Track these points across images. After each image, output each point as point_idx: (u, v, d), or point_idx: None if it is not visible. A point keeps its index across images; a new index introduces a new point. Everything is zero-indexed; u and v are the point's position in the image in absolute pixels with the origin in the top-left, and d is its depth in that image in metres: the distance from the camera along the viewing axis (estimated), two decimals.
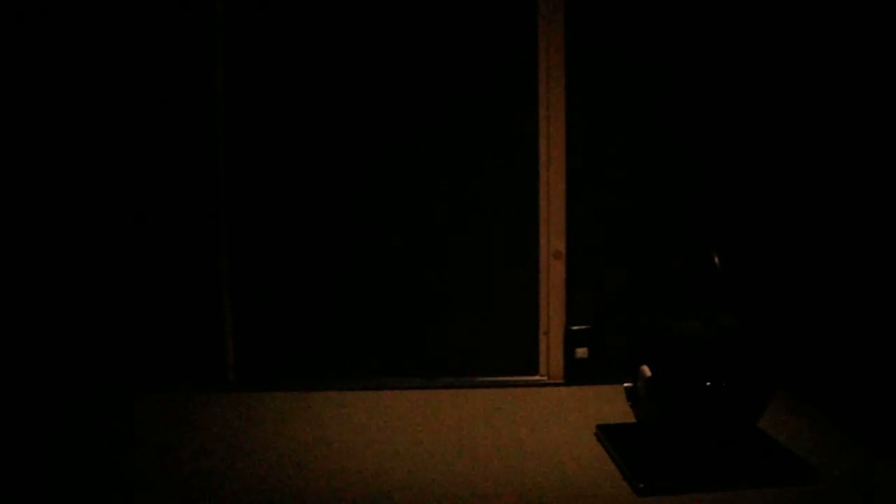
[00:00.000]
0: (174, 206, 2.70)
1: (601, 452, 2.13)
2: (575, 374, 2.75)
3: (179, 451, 2.17)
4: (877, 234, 2.26)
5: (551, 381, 2.76)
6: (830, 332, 2.44)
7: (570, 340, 2.74)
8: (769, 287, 2.70)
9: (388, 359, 2.78)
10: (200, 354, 2.74)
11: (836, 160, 2.44)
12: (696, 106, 2.72)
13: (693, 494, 1.87)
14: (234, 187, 2.71)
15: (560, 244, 2.73)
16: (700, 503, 1.84)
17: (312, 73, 2.69)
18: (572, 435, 2.27)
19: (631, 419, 2.14)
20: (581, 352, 2.74)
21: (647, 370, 1.99)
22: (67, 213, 2.68)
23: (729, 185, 2.74)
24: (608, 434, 2.19)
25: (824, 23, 2.47)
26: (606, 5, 2.67)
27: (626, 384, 2.12)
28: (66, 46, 2.63)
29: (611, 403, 2.50)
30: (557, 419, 2.41)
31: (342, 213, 2.74)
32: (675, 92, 2.71)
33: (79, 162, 2.67)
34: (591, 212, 2.73)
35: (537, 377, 2.78)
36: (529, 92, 2.70)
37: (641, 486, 1.89)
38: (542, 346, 2.77)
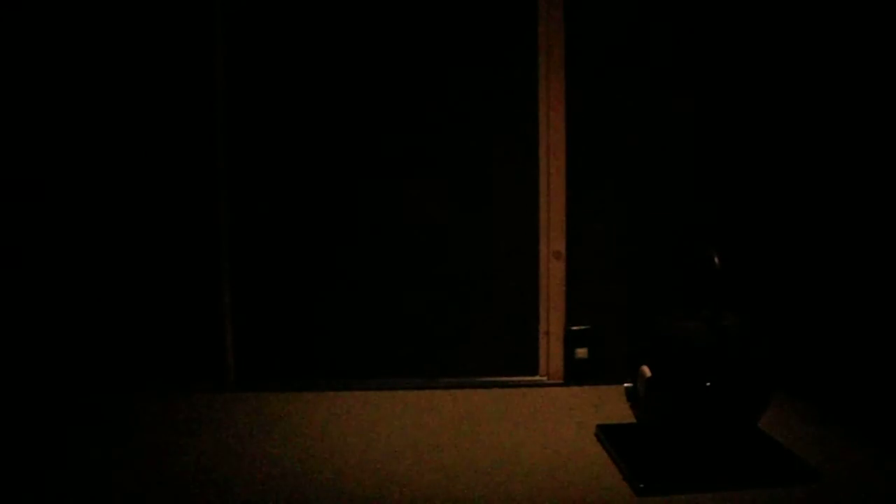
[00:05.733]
0: (174, 206, 2.70)
1: (601, 452, 2.13)
2: (575, 374, 2.75)
3: (179, 451, 2.17)
4: (876, 233, 2.26)
5: (551, 381, 2.76)
6: (830, 332, 2.44)
7: (570, 340, 2.74)
8: (769, 287, 2.70)
9: (388, 359, 2.78)
10: (200, 355, 2.74)
11: (835, 160, 2.44)
12: (695, 105, 2.72)
13: (693, 494, 1.87)
14: (234, 187, 2.71)
15: (560, 244, 2.73)
16: (700, 503, 1.84)
17: (312, 80, 2.70)
18: (572, 435, 2.27)
19: (631, 419, 2.14)
20: (581, 352, 2.74)
21: (647, 370, 1.99)
22: (66, 213, 2.68)
23: (729, 185, 2.74)
24: (608, 434, 2.19)
25: (820, 22, 2.47)
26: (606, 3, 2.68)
27: (626, 384, 2.12)
28: (64, 42, 2.63)
29: (611, 403, 2.50)
30: (557, 419, 2.41)
31: (342, 213, 2.74)
32: (674, 91, 2.71)
33: (77, 162, 2.67)
34: (591, 212, 2.73)
35: (537, 377, 2.78)
36: (529, 91, 2.70)
37: (641, 486, 1.89)
38: (542, 346, 2.77)
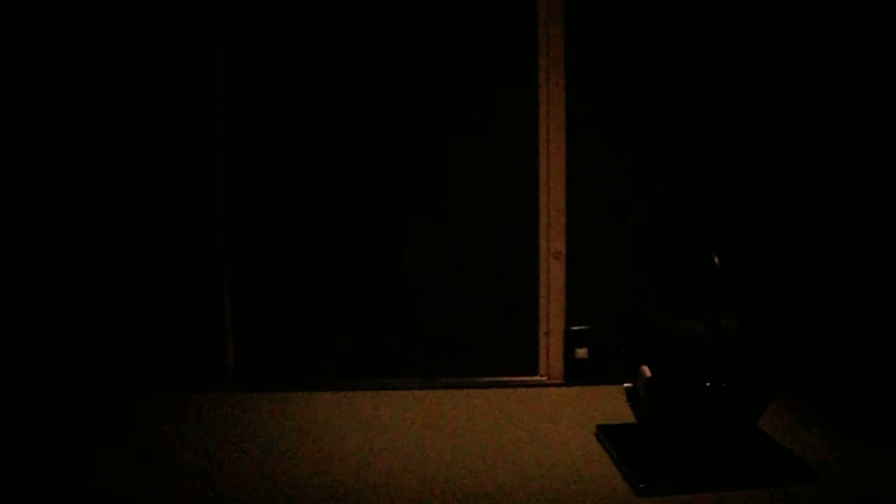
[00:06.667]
0: (174, 206, 2.70)
1: (601, 452, 2.13)
2: (575, 374, 2.75)
3: (179, 451, 2.17)
4: (876, 233, 2.26)
5: (551, 382, 2.76)
6: (830, 332, 2.44)
7: (570, 340, 2.74)
8: (769, 287, 2.70)
9: (388, 359, 2.78)
10: (200, 354, 2.74)
11: (835, 160, 2.44)
12: (697, 105, 2.72)
13: (693, 494, 1.87)
14: (234, 187, 2.71)
15: (560, 244, 2.73)
16: (700, 503, 1.84)
17: (314, 83, 2.70)
18: (572, 435, 2.27)
19: (631, 419, 2.14)
20: (581, 352, 2.74)
21: (647, 370, 1.99)
22: (65, 213, 2.68)
23: (729, 185, 2.74)
24: (608, 434, 2.19)
25: (822, 24, 2.48)
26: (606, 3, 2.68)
27: (626, 384, 2.12)
28: (63, 40, 2.63)
29: (611, 403, 2.50)
30: (557, 419, 2.41)
31: (342, 213, 2.74)
32: (676, 91, 2.71)
33: (77, 161, 2.67)
34: (590, 212, 2.73)
35: (537, 377, 2.78)
36: (530, 90, 2.70)
37: (641, 486, 1.89)
38: (542, 346, 2.77)
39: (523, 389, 2.72)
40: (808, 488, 1.88)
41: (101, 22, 2.63)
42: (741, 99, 2.71)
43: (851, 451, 2.11)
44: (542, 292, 2.75)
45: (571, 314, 2.75)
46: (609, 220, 2.74)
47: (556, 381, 2.76)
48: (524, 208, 2.74)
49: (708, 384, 1.90)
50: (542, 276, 2.75)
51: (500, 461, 2.09)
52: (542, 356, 2.77)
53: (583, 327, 2.75)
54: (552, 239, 2.72)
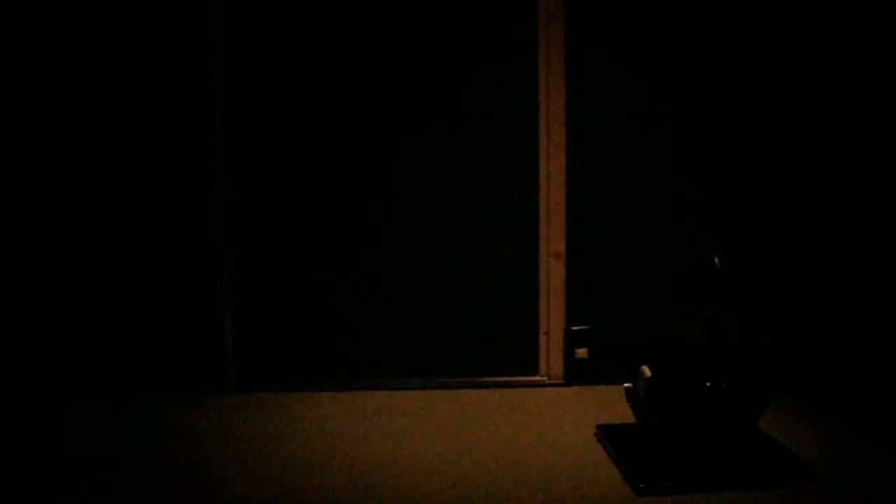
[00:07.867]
0: (174, 206, 2.70)
1: (601, 452, 2.13)
2: (575, 374, 2.75)
3: (179, 451, 2.17)
4: (876, 234, 2.26)
5: (551, 382, 2.76)
6: (830, 332, 2.44)
7: (570, 340, 2.74)
8: (769, 287, 2.70)
9: (388, 359, 2.78)
10: (200, 354, 2.74)
11: (835, 161, 2.44)
12: (697, 105, 2.72)
13: (693, 494, 1.87)
14: (234, 186, 2.71)
15: (560, 244, 2.73)
16: (700, 503, 1.84)
17: (312, 83, 2.70)
18: (572, 435, 2.27)
19: (631, 419, 2.14)
20: (581, 352, 2.74)
21: (647, 370, 1.99)
22: (65, 215, 2.68)
23: (729, 185, 2.74)
24: (608, 434, 2.19)
25: (821, 24, 2.48)
26: (606, 5, 2.68)
27: (626, 384, 2.12)
28: (64, 42, 2.63)
29: (611, 403, 2.51)
30: (557, 419, 2.41)
31: (342, 213, 2.74)
32: (676, 91, 2.71)
33: (78, 164, 2.67)
34: (591, 212, 2.73)
35: (537, 377, 2.78)
36: (529, 89, 2.70)
37: (641, 486, 1.89)
38: (542, 346, 2.77)
39: (523, 389, 2.72)
40: (808, 488, 1.88)
41: (105, 22, 2.63)
42: (743, 97, 2.71)
43: (851, 451, 2.11)
44: (542, 292, 2.75)
45: (571, 314, 2.75)
46: (609, 220, 2.75)
47: (556, 381, 2.76)
48: (524, 208, 2.74)
49: (708, 384, 1.90)
50: (542, 276, 2.75)
51: (500, 461, 2.09)
52: (542, 356, 2.77)
53: (583, 327, 2.75)
54: (552, 239, 2.73)
